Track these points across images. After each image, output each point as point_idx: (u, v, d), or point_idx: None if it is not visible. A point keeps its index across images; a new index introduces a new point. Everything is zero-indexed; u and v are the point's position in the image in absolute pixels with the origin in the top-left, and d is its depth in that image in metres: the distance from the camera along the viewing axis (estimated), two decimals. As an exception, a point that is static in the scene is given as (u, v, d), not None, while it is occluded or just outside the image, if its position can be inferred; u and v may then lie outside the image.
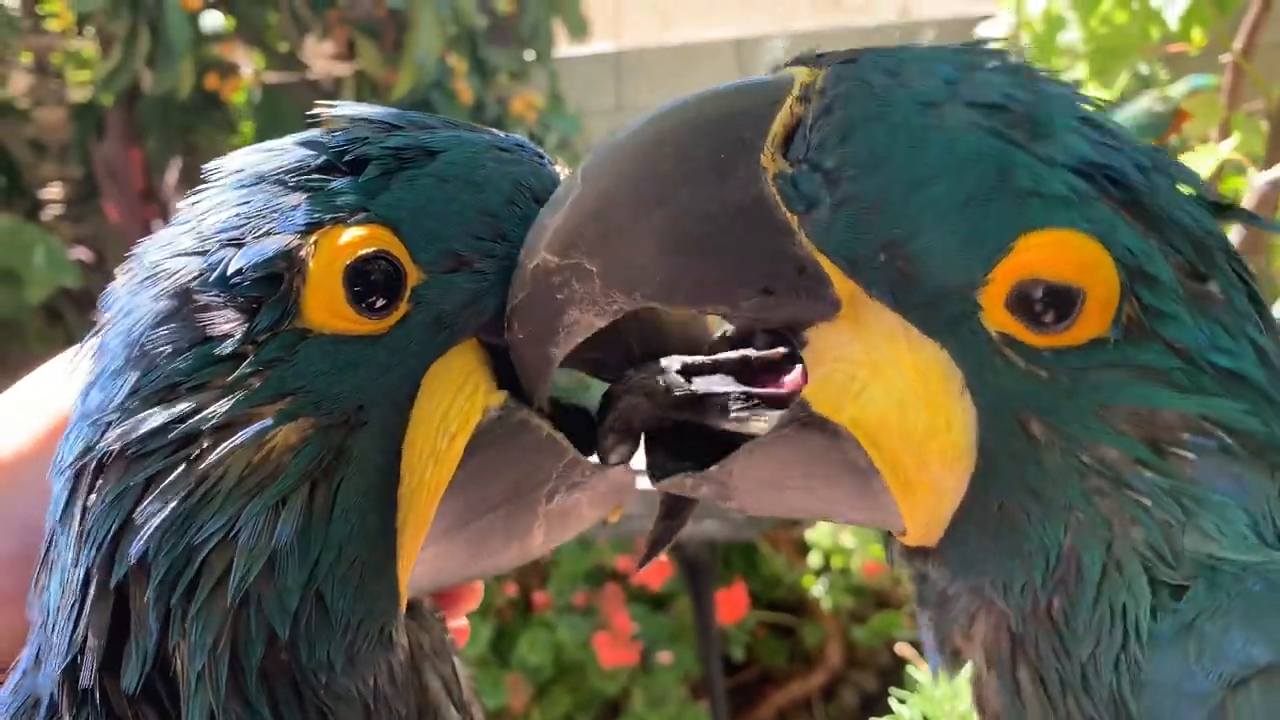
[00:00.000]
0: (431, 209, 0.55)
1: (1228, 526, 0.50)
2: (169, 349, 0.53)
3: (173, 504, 0.51)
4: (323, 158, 0.56)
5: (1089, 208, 0.50)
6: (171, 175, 3.60)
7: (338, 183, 0.55)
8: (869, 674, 3.26)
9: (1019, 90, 0.52)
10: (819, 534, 2.87)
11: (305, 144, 0.58)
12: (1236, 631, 0.47)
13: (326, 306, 0.54)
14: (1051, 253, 0.50)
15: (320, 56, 4.03)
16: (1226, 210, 0.54)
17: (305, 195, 0.55)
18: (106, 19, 3.16)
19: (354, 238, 0.54)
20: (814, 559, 2.92)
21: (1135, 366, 0.51)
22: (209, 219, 0.56)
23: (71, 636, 0.53)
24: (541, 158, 0.60)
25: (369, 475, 0.54)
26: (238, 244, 0.54)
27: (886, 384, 0.53)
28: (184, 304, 0.54)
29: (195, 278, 0.54)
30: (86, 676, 0.52)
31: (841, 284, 0.53)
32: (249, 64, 3.92)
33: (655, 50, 4.98)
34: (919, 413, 0.52)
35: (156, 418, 0.52)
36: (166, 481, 0.52)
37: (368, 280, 0.54)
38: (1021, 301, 0.50)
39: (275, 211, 0.55)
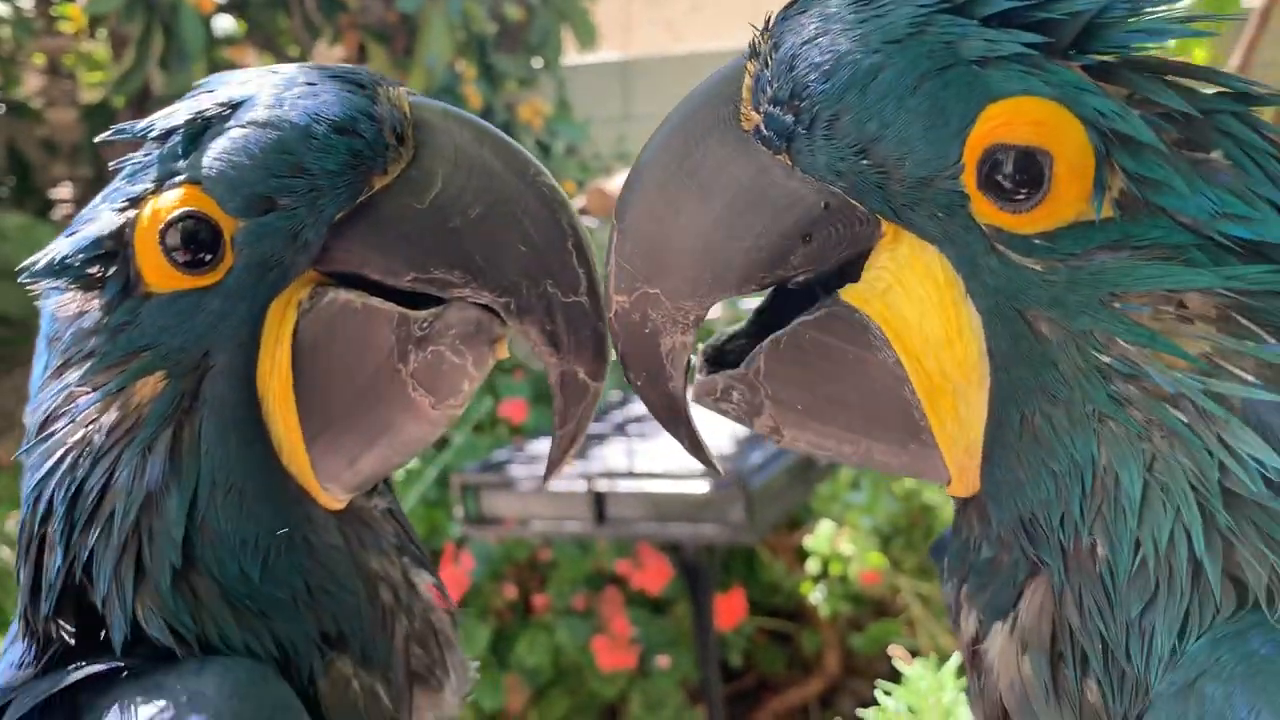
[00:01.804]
0: (232, 159, 0.58)
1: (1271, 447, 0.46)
2: (55, 334, 0.62)
3: (61, 458, 0.59)
4: (142, 138, 0.62)
5: (1050, 71, 0.49)
6: (181, 176, 3.62)
7: (152, 156, 0.61)
8: (866, 682, 3.26)
9: None
10: (818, 540, 2.88)
11: (118, 135, 0.64)
12: (1240, 698, 0.44)
13: (157, 269, 0.59)
14: (1010, 118, 0.48)
15: (330, 61, 4.07)
16: (1244, 95, 0.50)
17: (129, 178, 0.61)
18: (121, 20, 3.19)
19: (163, 204, 0.59)
20: (812, 565, 2.93)
21: (1142, 246, 0.48)
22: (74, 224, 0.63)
23: (19, 573, 0.62)
24: (358, 87, 0.60)
25: (226, 410, 0.59)
26: (72, 235, 0.61)
27: (906, 290, 0.52)
28: (55, 299, 0.62)
29: (40, 273, 0.62)
30: (21, 607, 0.61)
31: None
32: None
33: (662, 59, 5.01)
34: (934, 319, 0.52)
35: (50, 394, 0.61)
36: (55, 440, 0.59)
37: (184, 235, 0.58)
38: (990, 176, 0.49)
39: (106, 200, 0.61)
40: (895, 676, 0.93)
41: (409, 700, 0.66)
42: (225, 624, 0.59)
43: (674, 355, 0.58)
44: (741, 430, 2.27)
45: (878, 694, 0.88)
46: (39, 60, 4.03)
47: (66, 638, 0.59)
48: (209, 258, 0.58)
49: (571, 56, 4.60)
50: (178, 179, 0.59)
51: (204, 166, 0.58)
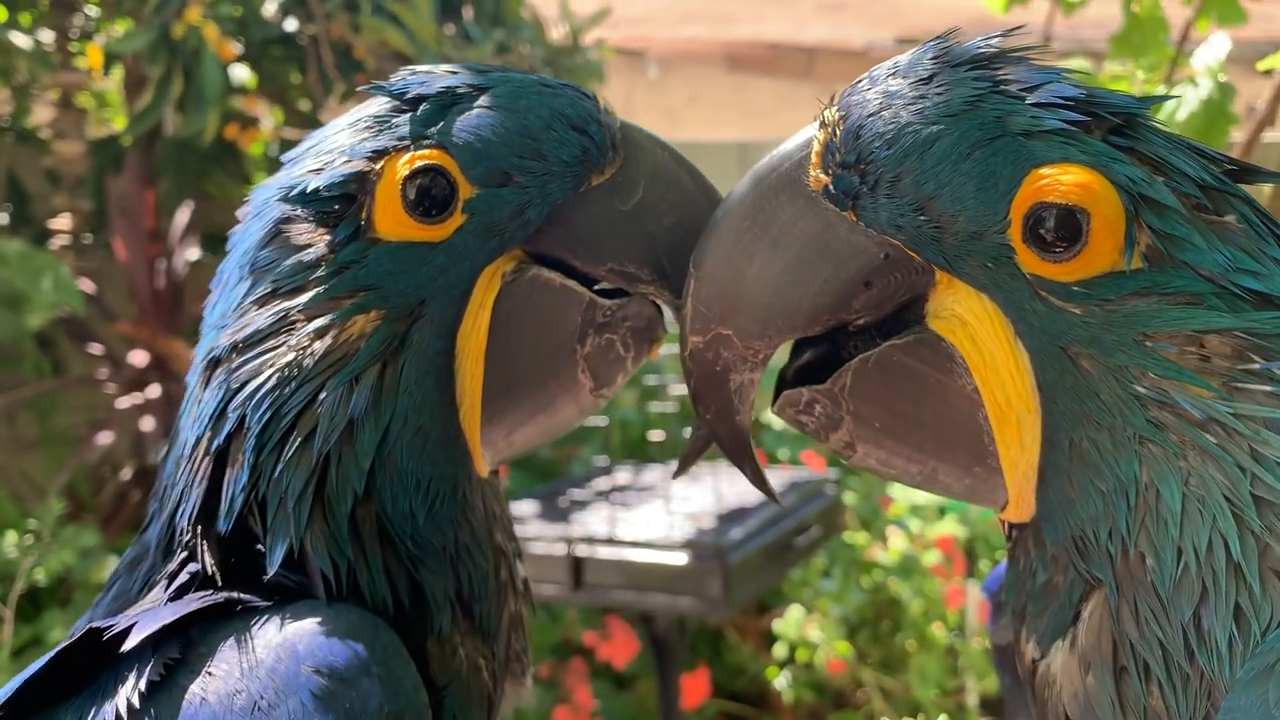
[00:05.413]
0: (479, 133, 0.65)
1: None
2: (270, 263, 0.65)
3: (268, 377, 0.62)
4: (390, 102, 0.67)
5: (1087, 144, 0.56)
6: (181, 218, 3.65)
7: (400, 118, 0.66)
8: (823, 774, 3.24)
9: (999, 50, 0.60)
10: (787, 624, 2.89)
11: (375, 92, 0.69)
12: None
13: (392, 217, 0.64)
14: (1053, 181, 0.55)
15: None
16: (1247, 172, 0.58)
17: (374, 131, 0.66)
18: (144, 61, 3.25)
19: (412, 157, 0.64)
20: (779, 650, 2.93)
21: (1167, 293, 0.54)
22: (303, 160, 0.67)
23: (182, 493, 0.64)
24: (586, 96, 0.67)
25: (429, 357, 0.64)
26: (318, 171, 0.66)
27: (975, 329, 0.58)
28: (280, 226, 0.66)
29: (285, 199, 0.66)
30: (184, 524, 0.63)
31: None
32: (269, 118, 4.02)
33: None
34: (999, 355, 0.58)
35: (260, 318, 0.64)
36: (263, 360, 0.63)
37: (423, 190, 0.64)
38: (1034, 231, 0.56)
39: (350, 146, 0.66)
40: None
41: (503, 681, 0.69)
42: (374, 563, 0.62)
43: (742, 391, 0.64)
44: (722, 506, 2.29)
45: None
46: (54, 94, 4.07)
47: (212, 570, 0.60)
48: (441, 214, 0.64)
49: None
50: (426, 141, 0.65)
51: (453, 134, 0.64)
